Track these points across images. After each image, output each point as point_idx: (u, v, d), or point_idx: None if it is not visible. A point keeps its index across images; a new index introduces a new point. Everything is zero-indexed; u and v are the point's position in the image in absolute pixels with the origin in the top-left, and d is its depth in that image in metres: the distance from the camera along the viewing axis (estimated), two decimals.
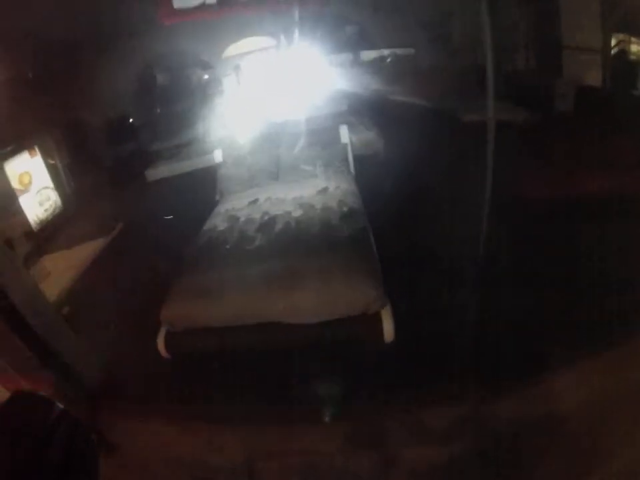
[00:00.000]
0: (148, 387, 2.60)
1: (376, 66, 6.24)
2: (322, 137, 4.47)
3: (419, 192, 3.89)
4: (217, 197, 4.25)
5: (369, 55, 6.35)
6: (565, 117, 4.76)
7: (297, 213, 3.38)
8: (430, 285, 2.91)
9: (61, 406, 0.77)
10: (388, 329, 2.52)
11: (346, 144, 4.51)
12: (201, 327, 2.68)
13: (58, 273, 3.43)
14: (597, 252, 2.84)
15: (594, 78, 4.69)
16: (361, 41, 6.33)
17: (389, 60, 6.32)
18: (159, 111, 6.13)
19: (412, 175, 3.96)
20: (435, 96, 5.46)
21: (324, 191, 3.75)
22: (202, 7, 3.54)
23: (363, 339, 2.63)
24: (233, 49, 5.48)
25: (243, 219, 3.49)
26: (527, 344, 2.41)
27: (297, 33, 5.21)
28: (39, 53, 4.17)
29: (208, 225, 3.54)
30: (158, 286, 3.07)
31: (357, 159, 4.48)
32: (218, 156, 4.55)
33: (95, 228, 4.13)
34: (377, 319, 2.56)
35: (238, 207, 3.75)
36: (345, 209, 3.34)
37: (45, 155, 4.63)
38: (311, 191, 3.76)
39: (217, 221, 3.56)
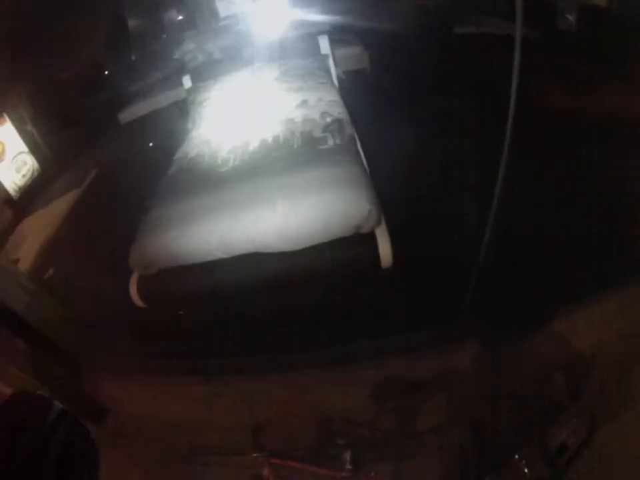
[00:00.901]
0: (133, 344, 2.45)
1: None
2: (299, 47, 4.04)
3: (411, 112, 3.47)
4: (189, 125, 3.88)
5: None
6: (565, 35, 4.32)
7: (275, 130, 3.03)
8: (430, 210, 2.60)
9: (60, 406, 0.76)
10: (385, 250, 2.24)
11: (326, 55, 4.08)
12: (174, 265, 2.40)
13: (34, 234, 3.31)
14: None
15: None
16: None
17: None
18: (133, 57, 5.79)
19: (402, 93, 3.61)
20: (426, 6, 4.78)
21: (304, 103, 3.38)
22: None
23: (357, 263, 2.33)
24: None
25: (216, 141, 3.17)
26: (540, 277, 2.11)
27: None
28: None
29: (178, 154, 3.23)
30: (132, 230, 2.79)
31: (340, 75, 4.12)
32: (187, 82, 4.20)
33: (72, 181, 3.97)
34: (371, 239, 2.26)
35: (210, 130, 3.45)
36: (329, 119, 2.99)
37: (18, 121, 4.46)
38: (289, 105, 3.39)
39: (188, 148, 3.25)
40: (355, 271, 2.35)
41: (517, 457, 1.49)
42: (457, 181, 2.73)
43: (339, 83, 4.05)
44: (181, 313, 2.49)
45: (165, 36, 5.54)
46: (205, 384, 2.17)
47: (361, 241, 2.27)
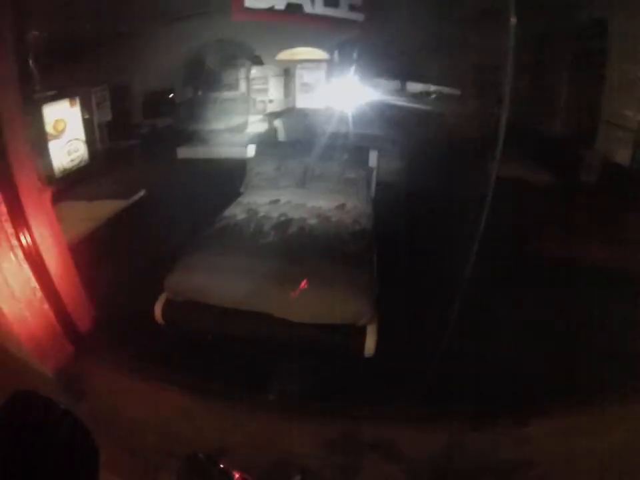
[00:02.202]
0: (135, 346, 2.66)
1: (420, 99, 6.35)
2: (352, 155, 4.56)
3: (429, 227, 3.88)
4: (242, 189, 4.36)
5: (415, 87, 6.47)
6: (586, 186, 4.80)
7: (313, 221, 3.52)
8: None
9: (61, 406, 0.78)
10: (370, 343, 2.68)
11: (372, 168, 4.61)
12: (199, 301, 2.80)
13: (71, 222, 3.48)
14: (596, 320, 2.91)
15: (624, 156, 4.70)
16: (410, 71, 6.46)
17: (433, 96, 6.43)
18: (200, 93, 6.27)
19: (429, 207, 4.02)
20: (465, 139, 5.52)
21: (342, 207, 3.87)
22: (271, 10, 3.73)
23: (345, 347, 2.76)
24: (286, 54, 5.62)
25: (261, 214, 3.61)
26: (513, 381, 2.44)
27: (350, 53, 5.36)
28: (101, 12, 4.28)
29: (228, 212, 3.69)
30: (163, 256, 3.21)
31: (380, 184, 4.58)
32: (251, 150, 4.66)
33: (117, 189, 4.22)
34: (362, 332, 2.71)
35: (259, 202, 3.87)
36: (357, 227, 3.48)
37: (84, 108, 4.77)
38: (330, 204, 3.88)
39: (237, 211, 3.70)
40: (342, 352, 2.78)
41: None
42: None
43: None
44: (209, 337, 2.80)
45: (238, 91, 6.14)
46: (184, 397, 2.33)
47: (354, 331, 2.71)
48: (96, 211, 3.72)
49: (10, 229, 2.10)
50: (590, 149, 5.11)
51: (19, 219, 2.13)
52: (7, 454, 0.68)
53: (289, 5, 3.65)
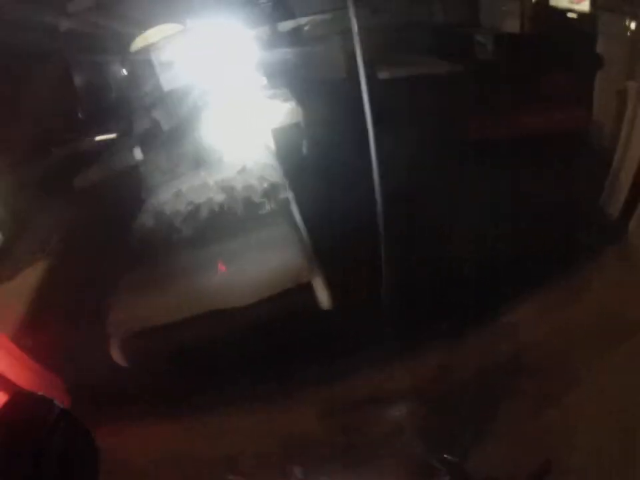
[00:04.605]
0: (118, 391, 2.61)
1: (294, 36, 6.11)
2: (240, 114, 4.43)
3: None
4: (143, 194, 4.17)
5: (285, 25, 6.21)
6: (484, 65, 4.80)
7: (220, 197, 3.43)
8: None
9: (61, 406, 0.77)
10: (322, 296, 2.66)
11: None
12: (146, 326, 2.71)
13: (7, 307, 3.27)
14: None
15: (512, 26, 4.76)
16: (276, 11, 6.18)
17: (306, 28, 6.20)
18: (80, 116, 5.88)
19: (332, 141, 3.98)
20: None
21: (243, 170, 3.76)
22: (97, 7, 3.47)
23: (301, 309, 2.73)
24: (140, 41, 5.26)
25: (167, 212, 3.50)
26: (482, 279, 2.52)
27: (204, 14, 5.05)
28: None
29: (136, 225, 3.54)
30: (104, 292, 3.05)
31: (276, 130, 4.45)
32: (138, 153, 4.45)
33: (35, 248, 3.99)
34: (309, 288, 2.67)
35: (162, 200, 3.75)
36: (266, 184, 3.39)
37: None
38: (230, 172, 3.76)
39: (144, 218, 3.56)
40: (299, 314, 2.73)
41: None
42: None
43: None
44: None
45: (113, 95, 5.78)
46: (179, 420, 2.37)
47: (301, 290, 2.66)
48: (26, 283, 3.52)
49: None
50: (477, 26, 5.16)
51: None
52: (6, 454, 0.67)
53: None
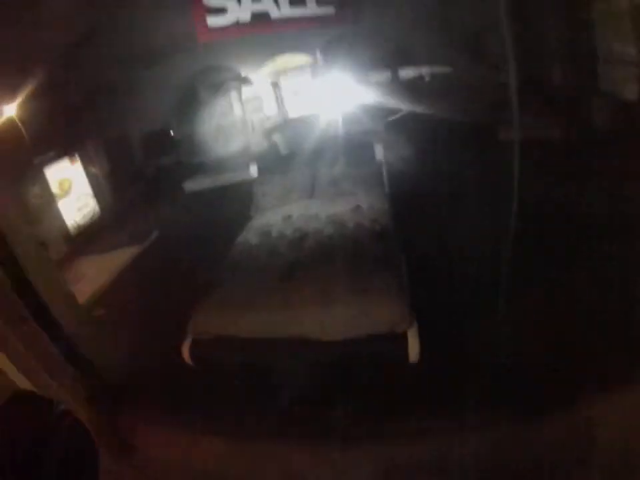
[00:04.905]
0: (169, 393, 2.60)
1: (414, 84, 6.19)
2: (356, 154, 4.44)
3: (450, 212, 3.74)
4: (252, 212, 4.25)
5: (407, 73, 6.33)
6: (600, 132, 4.57)
7: (329, 230, 3.36)
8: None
9: (61, 406, 0.77)
10: (413, 348, 2.46)
11: (381, 161, 4.47)
12: (227, 337, 2.67)
13: (92, 275, 3.52)
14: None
15: (631, 92, 4.46)
16: (399, 58, 6.33)
17: (427, 79, 6.27)
18: (197, 125, 6.32)
19: (446, 192, 3.89)
20: (472, 112, 5.33)
21: (357, 209, 3.70)
22: (236, 25, 3.64)
23: (388, 357, 2.57)
24: (270, 66, 5.58)
25: (274, 234, 3.50)
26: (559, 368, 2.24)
27: (333, 50, 5.27)
28: (85, 68, 4.38)
29: (240, 239, 3.57)
30: (187, 294, 3.09)
31: (391, 176, 4.39)
32: (254, 171, 4.60)
33: (131, 235, 4.26)
34: (403, 339, 2.49)
35: (271, 222, 3.75)
36: (377, 227, 3.29)
37: (86, 163, 4.87)
38: (344, 209, 3.70)
39: (250, 236, 3.58)
40: (386, 362, 2.60)
41: None
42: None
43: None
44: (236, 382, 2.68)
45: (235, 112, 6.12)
46: (222, 439, 2.27)
47: (394, 338, 2.50)
48: (111, 262, 3.75)
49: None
50: (595, 93, 4.85)
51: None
52: (7, 454, 0.68)
53: (254, 16, 3.54)
